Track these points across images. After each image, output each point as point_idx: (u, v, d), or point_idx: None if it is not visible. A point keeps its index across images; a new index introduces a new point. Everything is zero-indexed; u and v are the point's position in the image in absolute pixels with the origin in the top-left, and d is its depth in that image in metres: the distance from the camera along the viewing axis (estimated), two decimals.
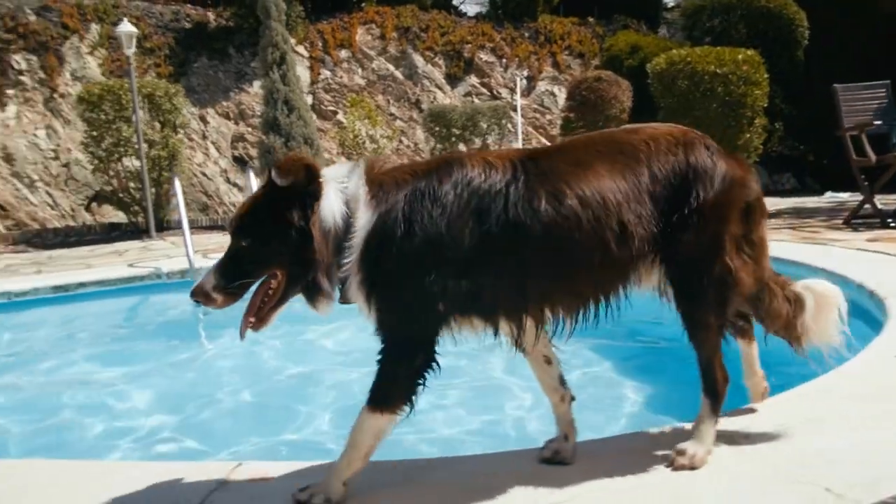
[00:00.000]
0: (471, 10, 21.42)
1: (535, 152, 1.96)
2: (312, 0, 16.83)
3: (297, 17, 15.97)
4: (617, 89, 14.28)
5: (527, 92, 17.14)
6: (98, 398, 3.80)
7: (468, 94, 16.88)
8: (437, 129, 13.38)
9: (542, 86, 17.38)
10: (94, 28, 15.03)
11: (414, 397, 1.81)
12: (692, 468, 1.91)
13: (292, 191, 1.74)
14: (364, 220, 1.79)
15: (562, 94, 17.04)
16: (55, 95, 13.96)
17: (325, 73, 16.17)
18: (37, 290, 6.02)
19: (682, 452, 1.95)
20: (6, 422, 3.49)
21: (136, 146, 11.24)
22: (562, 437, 2.07)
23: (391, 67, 16.75)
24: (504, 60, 17.53)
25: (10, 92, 13.60)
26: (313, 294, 1.81)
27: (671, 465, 1.94)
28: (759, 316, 2.22)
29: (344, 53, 16.69)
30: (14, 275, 7.38)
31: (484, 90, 17.01)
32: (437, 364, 1.83)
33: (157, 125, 11.89)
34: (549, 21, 18.41)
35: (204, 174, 14.47)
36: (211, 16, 16.46)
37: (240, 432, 3.28)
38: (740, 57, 10.12)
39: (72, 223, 12.95)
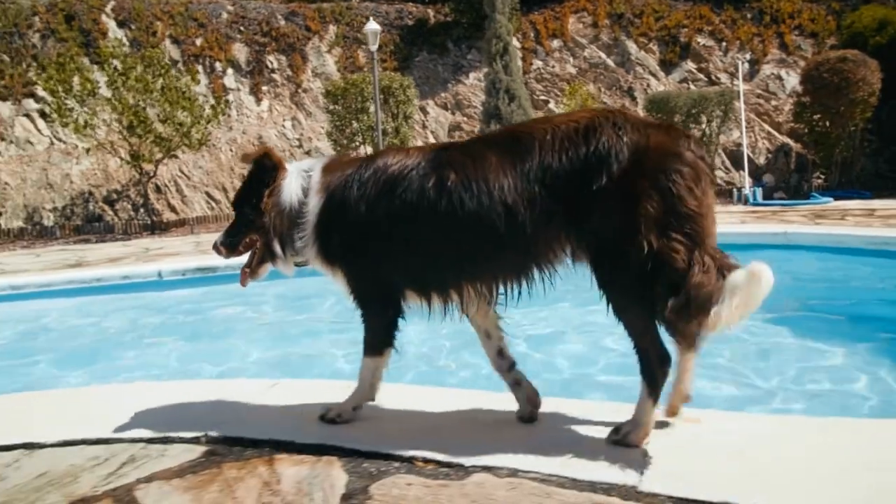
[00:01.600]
0: None
1: (448, 145, 2.30)
2: None
3: (511, 10, 16.33)
4: (865, 70, 12.89)
5: (749, 76, 16.02)
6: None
7: (684, 80, 16.16)
8: (658, 116, 12.99)
9: (766, 69, 16.13)
10: (332, 29, 16.56)
11: (393, 341, 2.34)
12: (626, 446, 2.02)
13: (256, 177, 2.38)
14: (314, 202, 2.31)
15: (790, 78, 15.73)
16: (299, 90, 15.62)
17: (537, 62, 16.38)
18: None
19: (617, 430, 2.08)
20: None
21: (374, 134, 12.24)
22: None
23: (603, 55, 16.54)
24: (724, 44, 16.52)
25: (264, 88, 15.45)
26: (271, 256, 2.41)
27: (608, 440, 2.06)
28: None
29: (555, 43, 16.78)
30: None
31: (701, 76, 16.18)
32: (403, 314, 2.30)
33: (391, 115, 12.85)
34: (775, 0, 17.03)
35: None
36: (431, 12, 17.38)
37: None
38: None
39: None
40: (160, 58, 12.20)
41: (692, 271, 1.90)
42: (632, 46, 16.53)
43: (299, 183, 2.36)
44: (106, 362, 4.64)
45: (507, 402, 2.39)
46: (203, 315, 5.98)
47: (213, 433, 2.31)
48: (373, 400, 2.41)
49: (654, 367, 2.03)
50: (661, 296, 1.94)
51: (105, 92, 11.74)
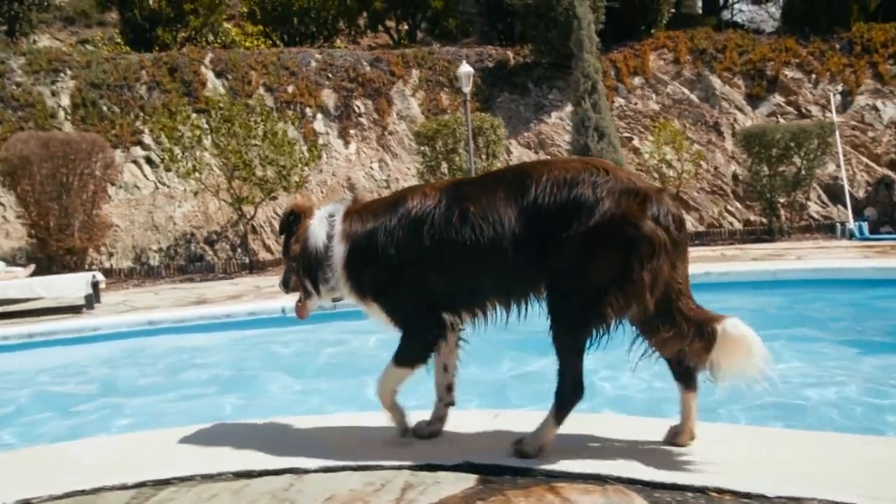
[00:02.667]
0: (766, 27, 20.21)
1: (462, 181, 2.61)
2: (602, 31, 17.25)
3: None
4: None
5: (842, 108, 15.57)
6: None
7: (772, 113, 15.83)
8: (755, 150, 12.72)
9: (861, 100, 15.65)
10: (415, 73, 17.03)
11: (427, 360, 2.55)
12: (525, 455, 2.28)
13: (287, 228, 2.72)
14: (339, 248, 2.56)
15: (887, 108, 15.23)
16: (385, 133, 16.04)
17: (619, 100, 16.37)
18: None
19: (519, 441, 2.34)
20: None
21: (467, 174, 12.38)
22: (427, 422, 2.66)
23: (686, 91, 16.41)
24: (813, 76, 16.15)
25: (352, 131, 15.94)
26: (306, 294, 2.72)
27: (511, 449, 2.33)
28: (650, 342, 2.30)
29: (637, 80, 16.77)
30: None
31: (790, 109, 15.83)
32: (445, 336, 2.52)
33: (482, 156, 13.01)
34: (864, 29, 16.61)
35: None
36: (510, 54, 17.69)
37: None
38: None
39: None
40: (262, 104, 12.76)
41: (660, 331, 2.21)
42: (716, 81, 16.35)
43: (323, 229, 2.61)
44: (279, 393, 4.74)
45: (804, 437, 2.30)
46: (342, 347, 6.07)
47: (473, 461, 2.29)
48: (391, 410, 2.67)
49: (567, 392, 2.28)
50: (592, 337, 2.23)
51: (207, 138, 12.34)
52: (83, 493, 2.28)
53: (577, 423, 2.41)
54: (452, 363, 2.67)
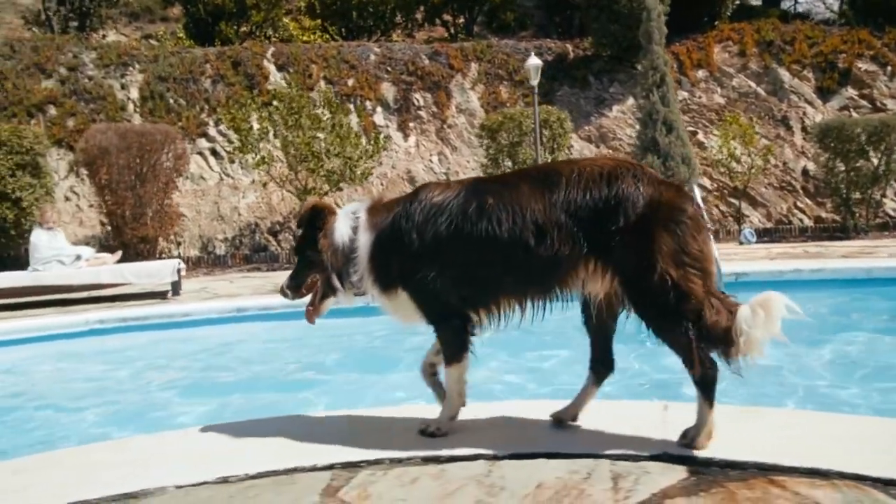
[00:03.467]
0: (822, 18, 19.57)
1: (483, 178, 2.71)
2: (665, 24, 16.90)
3: None
4: None
5: None
6: None
7: (844, 107, 15.31)
8: (830, 144, 12.31)
9: None
10: (474, 66, 16.96)
11: (469, 346, 2.53)
12: (698, 447, 2.24)
13: (311, 223, 2.66)
14: (364, 239, 2.58)
15: None
16: (445, 126, 16.01)
17: (683, 94, 16.02)
18: None
19: (685, 435, 2.30)
20: None
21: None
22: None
23: (753, 84, 15.98)
24: (889, 68, 15.58)
25: (411, 124, 15.95)
26: (332, 290, 2.65)
27: (679, 443, 2.29)
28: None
29: (701, 73, 16.40)
30: None
31: (864, 102, 15.28)
32: (472, 324, 2.52)
33: (547, 149, 12.87)
34: None
35: None
36: (569, 47, 17.48)
37: None
38: None
39: None
40: (329, 96, 12.86)
41: (705, 313, 2.21)
42: (784, 74, 15.89)
43: (348, 224, 2.62)
44: (379, 383, 4.74)
45: None
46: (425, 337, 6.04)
47: (671, 451, 2.23)
48: (464, 406, 2.61)
49: (704, 375, 2.23)
50: (690, 315, 2.21)
51: (272, 130, 12.46)
52: (276, 473, 2.29)
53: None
54: (439, 360, 2.72)
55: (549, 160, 12.98)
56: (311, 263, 2.65)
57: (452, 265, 2.45)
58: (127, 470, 2.36)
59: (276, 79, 16.09)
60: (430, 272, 2.46)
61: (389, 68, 16.70)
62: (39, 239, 7.96)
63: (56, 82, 15.20)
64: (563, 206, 2.31)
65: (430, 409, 2.76)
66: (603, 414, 2.68)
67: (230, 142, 14.86)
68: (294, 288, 2.69)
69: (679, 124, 12.93)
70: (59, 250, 7.98)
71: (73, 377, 5.50)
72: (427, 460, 2.34)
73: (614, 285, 2.30)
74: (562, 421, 2.58)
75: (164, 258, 12.17)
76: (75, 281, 7.79)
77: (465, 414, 2.64)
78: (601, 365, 2.55)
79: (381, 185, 14.83)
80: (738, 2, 18.41)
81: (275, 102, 12.49)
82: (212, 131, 15.17)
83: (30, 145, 11.19)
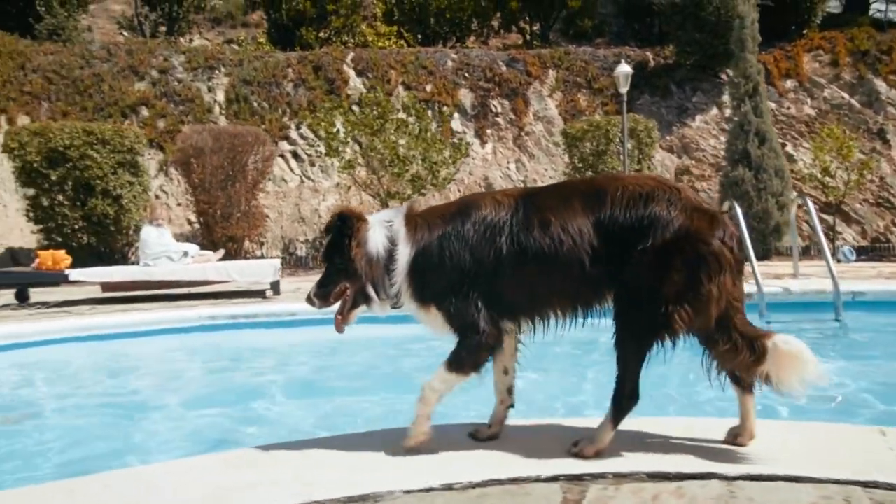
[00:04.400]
0: None
1: (533, 190, 2.59)
2: None
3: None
4: None
5: None
6: None
7: None
8: None
9: None
10: (551, 74, 16.83)
11: (482, 368, 2.49)
12: (582, 457, 2.33)
13: (342, 231, 2.51)
14: (405, 252, 2.49)
15: None
16: (522, 133, 15.92)
17: (770, 104, 15.47)
18: None
19: (576, 443, 2.38)
20: None
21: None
22: (487, 425, 2.64)
23: (846, 95, 15.35)
24: None
25: (488, 131, 15.93)
26: (366, 300, 2.54)
27: (569, 451, 2.37)
28: (711, 355, 2.40)
29: (789, 83, 15.86)
30: None
31: None
32: (501, 344, 2.50)
33: (633, 158, 12.63)
34: None
35: None
36: (649, 55, 17.17)
37: None
38: None
39: None
40: (414, 102, 12.93)
41: (718, 345, 2.31)
42: (880, 85, 15.22)
43: (383, 233, 2.52)
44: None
45: None
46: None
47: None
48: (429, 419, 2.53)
49: (623, 399, 2.35)
50: (651, 344, 2.31)
51: (355, 133, 12.61)
52: (500, 482, 2.23)
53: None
54: (512, 366, 2.68)
55: (637, 171, 12.74)
56: (340, 271, 2.54)
57: (506, 282, 2.42)
58: (347, 472, 2.34)
59: (355, 83, 16.31)
60: (478, 289, 2.43)
61: (467, 74, 16.73)
62: (149, 235, 8.22)
63: (148, 84, 15.77)
64: (609, 225, 2.33)
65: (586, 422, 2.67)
66: (807, 436, 2.54)
67: (311, 145, 15.15)
68: (322, 296, 2.57)
69: (772, 135, 12.51)
70: (166, 246, 8.22)
71: (217, 371, 5.64)
72: (653, 476, 2.24)
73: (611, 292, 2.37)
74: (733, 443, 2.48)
75: (250, 258, 12.44)
76: (184, 277, 8.01)
77: (628, 426, 2.53)
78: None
79: (458, 191, 14.81)
80: (827, 10, 17.75)
81: (354, 108, 12.66)
82: (293, 134, 15.47)
83: (130, 144, 11.61)
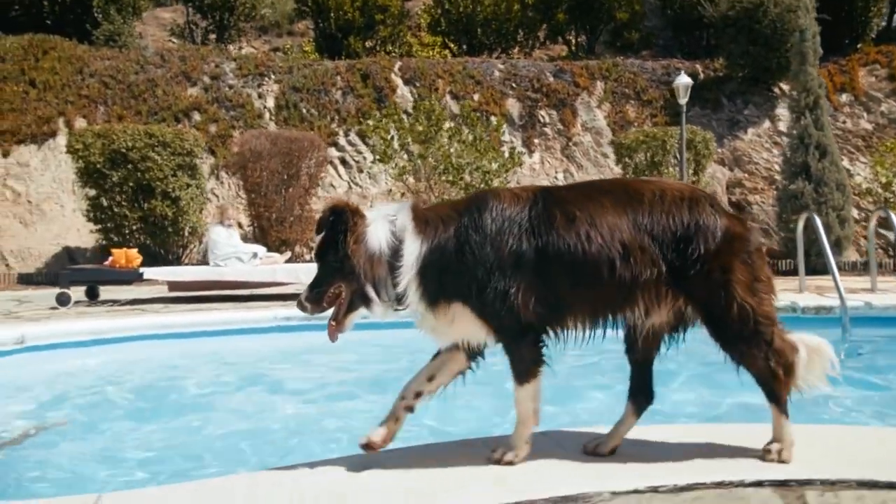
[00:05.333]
0: None
1: (552, 187, 2.47)
2: None
3: None
4: None
5: None
6: None
7: None
8: None
9: None
10: (599, 85, 16.75)
11: (543, 360, 2.32)
12: (782, 460, 2.27)
13: (337, 226, 2.28)
14: (413, 248, 2.27)
15: None
16: (570, 144, 15.85)
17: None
18: None
19: (769, 450, 2.30)
20: None
21: None
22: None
23: None
24: None
25: (536, 141, 15.87)
26: (365, 302, 2.28)
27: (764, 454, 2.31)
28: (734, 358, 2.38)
29: (845, 97, 15.61)
30: None
31: None
32: (543, 338, 2.32)
33: (691, 170, 12.49)
34: None
35: None
36: (699, 67, 17.02)
37: None
38: None
39: None
40: (468, 111, 12.94)
41: (775, 340, 2.27)
42: None
43: (387, 228, 2.30)
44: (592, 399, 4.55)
45: None
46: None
47: None
48: (536, 425, 2.37)
49: (779, 390, 2.29)
50: (767, 338, 2.27)
51: (408, 140, 12.63)
52: (703, 486, 2.14)
53: None
54: (446, 381, 2.46)
55: (693, 183, 12.58)
56: (335, 271, 2.29)
57: (531, 279, 2.24)
58: (543, 471, 2.27)
59: (403, 92, 16.38)
60: (506, 287, 2.23)
61: (514, 84, 16.71)
62: (220, 235, 8.26)
63: (200, 90, 15.99)
64: (647, 228, 2.26)
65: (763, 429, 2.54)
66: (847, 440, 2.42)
67: (359, 152, 15.23)
68: (315, 299, 2.31)
69: (833, 149, 12.29)
70: (236, 247, 8.26)
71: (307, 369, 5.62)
72: (861, 484, 2.14)
73: (686, 313, 2.32)
74: (598, 454, 2.40)
75: (299, 262, 12.47)
76: (254, 278, 8.02)
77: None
78: (642, 395, 2.47)
79: None
80: (883, 24, 17.48)
81: (403, 116, 12.69)
82: (341, 141, 15.55)
83: (189, 147, 11.75)
